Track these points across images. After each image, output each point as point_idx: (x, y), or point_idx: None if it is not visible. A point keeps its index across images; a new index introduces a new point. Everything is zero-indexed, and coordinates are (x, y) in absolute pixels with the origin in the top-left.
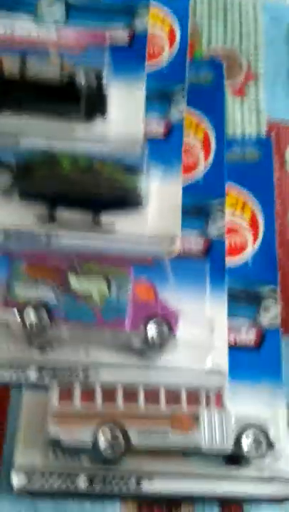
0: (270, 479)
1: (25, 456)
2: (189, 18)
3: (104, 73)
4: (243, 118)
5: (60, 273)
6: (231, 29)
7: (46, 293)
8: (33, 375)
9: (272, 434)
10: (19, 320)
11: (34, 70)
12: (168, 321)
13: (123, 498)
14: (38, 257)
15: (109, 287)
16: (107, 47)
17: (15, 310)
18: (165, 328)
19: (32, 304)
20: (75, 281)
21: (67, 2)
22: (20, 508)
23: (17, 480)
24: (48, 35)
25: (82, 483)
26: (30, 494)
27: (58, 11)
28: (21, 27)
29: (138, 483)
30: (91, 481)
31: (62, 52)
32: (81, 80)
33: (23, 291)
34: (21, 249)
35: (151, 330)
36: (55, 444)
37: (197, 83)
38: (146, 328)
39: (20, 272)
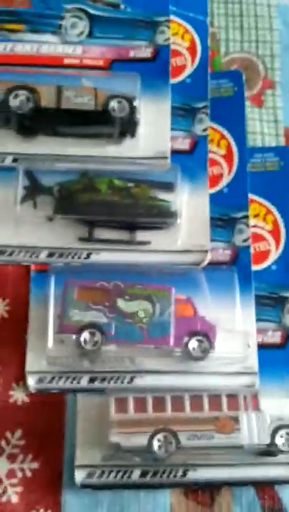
0: None
1: (86, 455)
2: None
3: (136, 99)
4: (262, 128)
5: (108, 296)
6: (248, 35)
7: (98, 315)
8: (85, 382)
9: None
10: (75, 342)
11: (70, 100)
12: (207, 335)
13: (171, 486)
14: (88, 282)
15: (153, 307)
16: (131, 64)
17: (71, 334)
18: (205, 342)
19: (86, 327)
20: (122, 304)
21: (90, 16)
22: (84, 499)
23: (80, 476)
24: (73, 53)
25: (136, 476)
26: (91, 487)
27: (82, 26)
28: (47, 46)
29: (184, 473)
30: (144, 474)
31: (94, 78)
32: (114, 106)
33: (77, 315)
34: (65, 266)
35: (192, 344)
36: (115, 448)
37: (218, 96)
38: (188, 343)
39: (73, 297)
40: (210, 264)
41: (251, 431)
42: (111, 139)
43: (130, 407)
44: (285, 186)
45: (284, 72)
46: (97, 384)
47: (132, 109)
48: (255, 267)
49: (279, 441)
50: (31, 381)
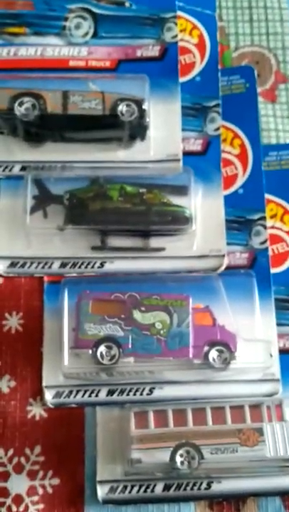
0: None
1: (107, 470)
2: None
3: (146, 101)
4: (277, 125)
5: (123, 308)
6: (258, 28)
7: (114, 328)
8: (103, 395)
9: None
10: (91, 357)
11: (77, 105)
12: (227, 345)
13: (196, 499)
14: (102, 295)
15: (170, 318)
16: (139, 64)
17: (87, 349)
18: (225, 352)
19: (102, 341)
20: (138, 315)
21: (95, 16)
22: None
23: (102, 492)
24: (79, 55)
25: (159, 490)
26: (114, 503)
27: (86, 27)
28: (52, 49)
29: (208, 485)
30: (167, 488)
31: (102, 81)
32: (123, 110)
33: (93, 329)
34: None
35: (212, 354)
36: (137, 464)
37: (230, 93)
38: (208, 353)
39: (88, 310)
40: (227, 268)
41: (276, 443)
42: (121, 143)
43: (150, 421)
44: None
45: None
46: (115, 396)
47: (142, 112)
48: (274, 270)
49: None
50: (48, 396)
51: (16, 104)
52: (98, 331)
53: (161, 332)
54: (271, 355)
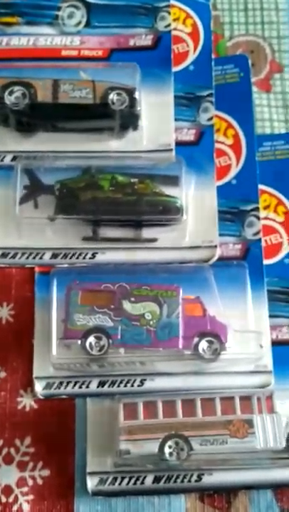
0: None
1: (97, 462)
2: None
3: (137, 90)
4: (271, 115)
5: (113, 298)
6: (253, 17)
7: (103, 319)
8: (94, 386)
9: None
10: (81, 347)
11: (67, 93)
12: (218, 336)
13: (186, 491)
14: (91, 285)
15: (160, 309)
16: (131, 53)
17: (76, 340)
18: (215, 343)
19: (91, 332)
20: (128, 306)
21: (88, 5)
22: (96, 506)
23: (91, 483)
24: (71, 45)
25: (149, 482)
26: (103, 494)
27: (79, 16)
28: (44, 38)
29: (199, 478)
30: (157, 480)
31: (92, 70)
32: (114, 99)
33: (82, 319)
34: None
35: (202, 345)
36: (126, 456)
37: (224, 83)
38: (198, 344)
39: (77, 301)
40: (220, 259)
41: (266, 434)
42: (112, 132)
43: (140, 412)
44: None
45: None
46: (106, 388)
47: (133, 101)
48: (267, 261)
49: None
50: (39, 387)
51: (6, 93)
52: (87, 322)
53: (151, 323)
54: (261, 346)
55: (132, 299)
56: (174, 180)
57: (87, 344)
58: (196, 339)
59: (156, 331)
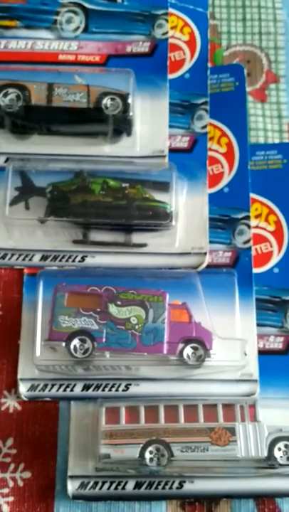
0: None
1: (78, 465)
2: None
3: (130, 95)
4: (265, 125)
5: (99, 301)
6: (251, 27)
7: (88, 322)
8: (78, 389)
9: None
10: (65, 349)
11: (61, 97)
12: (202, 342)
13: (168, 498)
14: (78, 288)
15: (146, 313)
16: (128, 60)
17: (61, 342)
18: (200, 349)
19: (76, 334)
20: (114, 309)
21: (86, 10)
22: (76, 510)
23: (72, 487)
24: (69, 49)
25: (130, 487)
26: (84, 498)
27: (78, 21)
28: (42, 42)
29: (180, 485)
30: (138, 485)
31: (87, 75)
32: (108, 104)
33: (67, 322)
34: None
35: (187, 351)
36: (106, 460)
37: (219, 92)
38: (182, 350)
39: (63, 303)
40: (210, 267)
41: (248, 443)
42: (106, 137)
43: (122, 417)
44: (288, 185)
45: (288, 65)
46: (91, 392)
47: (126, 106)
48: (256, 270)
49: (277, 454)
50: (23, 389)
51: (1, 95)
52: (72, 324)
53: (136, 327)
54: (245, 354)
55: (118, 303)
56: (164, 186)
57: (72, 347)
58: (180, 345)
59: (141, 335)
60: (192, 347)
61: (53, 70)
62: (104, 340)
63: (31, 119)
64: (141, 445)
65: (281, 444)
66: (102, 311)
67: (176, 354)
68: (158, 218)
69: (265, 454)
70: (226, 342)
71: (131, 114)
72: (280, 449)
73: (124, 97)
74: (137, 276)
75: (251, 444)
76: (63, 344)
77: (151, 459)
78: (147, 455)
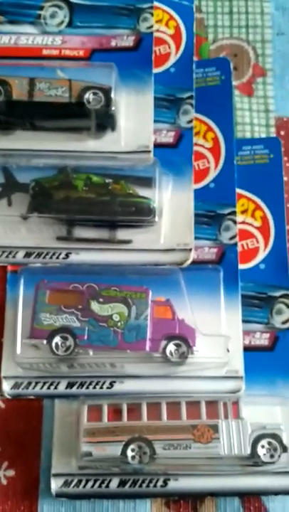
0: (286, 473)
1: (62, 463)
2: (194, 12)
3: (113, 89)
4: (252, 119)
5: (81, 298)
6: (238, 20)
7: (70, 319)
8: (62, 387)
9: (285, 438)
10: (47, 347)
11: (43, 92)
12: (185, 339)
13: (152, 496)
14: (60, 285)
15: (129, 310)
16: (112, 54)
17: (42, 339)
18: (183, 346)
19: (58, 331)
20: (96, 306)
21: (70, 5)
22: (60, 509)
23: (55, 485)
24: (53, 44)
25: (114, 485)
26: (68, 497)
27: (62, 16)
28: (26, 37)
29: (165, 483)
30: (122, 483)
31: (70, 69)
32: (90, 98)
33: (49, 319)
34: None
35: (170, 348)
36: (88, 457)
37: (204, 86)
38: (165, 347)
39: (45, 300)
40: (195, 263)
41: (231, 440)
42: (90, 132)
43: (104, 415)
44: (275, 180)
45: (276, 59)
46: (75, 389)
47: (108, 101)
48: (242, 266)
49: (260, 451)
50: (6, 387)
51: None
52: (54, 322)
53: (119, 324)
54: (228, 350)
55: (101, 300)
56: (147, 182)
57: (53, 344)
58: (163, 342)
59: (123, 332)
60: (175, 344)
61: (37, 65)
62: (86, 337)
63: (13, 115)
64: (123, 443)
65: (264, 442)
66: (84, 308)
67: (160, 351)
68: (141, 214)
69: (249, 451)
70: (209, 339)
71: (113, 108)
72: (263, 447)
73: (106, 92)
74: (120, 273)
75: (234, 441)
76: (45, 342)
77: (133, 457)
78: (129, 453)
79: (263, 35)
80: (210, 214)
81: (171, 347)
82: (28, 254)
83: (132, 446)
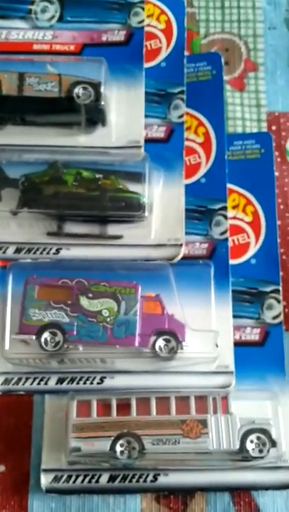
0: (276, 468)
1: (52, 459)
2: (185, 6)
3: (102, 84)
4: (244, 114)
5: (70, 294)
6: (230, 15)
7: (59, 314)
8: (52, 383)
9: (274, 433)
10: (36, 342)
11: (32, 87)
12: (175, 334)
13: (142, 491)
14: (49, 280)
15: (118, 306)
16: (103, 49)
17: (31, 335)
18: (172, 342)
19: (47, 327)
20: (85, 302)
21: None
22: (50, 504)
23: (45, 480)
24: (43, 39)
25: (104, 481)
26: (58, 492)
27: (53, 10)
28: (16, 32)
29: (155, 478)
30: (112, 478)
31: (60, 64)
32: (79, 93)
33: (38, 314)
34: (33, 262)
35: (160, 343)
36: (77, 453)
37: (196, 81)
38: (154, 342)
39: (33, 295)
40: (186, 258)
41: (219, 435)
42: (80, 127)
43: (93, 410)
44: (266, 175)
45: (268, 53)
46: (65, 385)
47: (98, 96)
48: (233, 261)
49: (249, 446)
50: None
51: None
52: (43, 317)
53: (108, 319)
54: (217, 346)
55: (90, 295)
56: (137, 177)
57: (42, 340)
58: (153, 337)
59: (112, 328)
60: (164, 339)
61: (27, 60)
62: (75, 333)
63: (3, 109)
64: (112, 438)
65: (253, 437)
66: (73, 304)
67: (149, 346)
68: (131, 209)
69: (237, 446)
70: (199, 334)
71: (103, 103)
72: (252, 442)
73: (96, 86)
74: (109, 268)
75: (223, 436)
76: (34, 337)
77: (122, 452)
78: (118, 448)
79: (255, 29)
80: (201, 209)
81: (160, 342)
82: (18, 250)
83: (120, 442)
